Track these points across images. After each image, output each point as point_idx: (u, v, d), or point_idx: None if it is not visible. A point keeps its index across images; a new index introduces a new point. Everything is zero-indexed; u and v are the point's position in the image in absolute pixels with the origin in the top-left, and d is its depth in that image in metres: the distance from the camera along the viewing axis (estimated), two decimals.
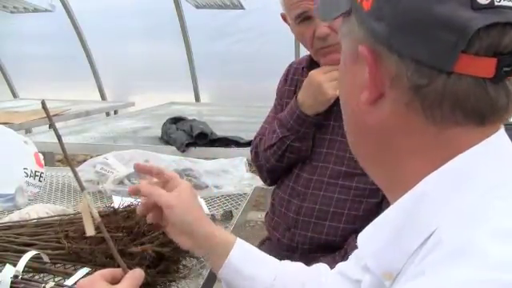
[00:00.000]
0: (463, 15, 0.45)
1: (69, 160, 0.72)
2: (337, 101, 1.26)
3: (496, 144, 0.49)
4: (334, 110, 1.26)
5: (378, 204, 1.22)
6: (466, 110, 0.47)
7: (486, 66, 0.45)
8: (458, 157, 0.48)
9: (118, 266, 0.72)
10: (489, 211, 0.44)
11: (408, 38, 0.46)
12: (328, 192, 1.24)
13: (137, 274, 0.71)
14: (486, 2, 0.45)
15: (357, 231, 1.21)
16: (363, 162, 0.58)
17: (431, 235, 0.46)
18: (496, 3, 0.45)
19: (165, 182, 0.86)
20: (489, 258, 0.40)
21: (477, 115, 0.47)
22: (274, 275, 0.82)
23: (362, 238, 0.55)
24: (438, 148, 0.49)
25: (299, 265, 0.87)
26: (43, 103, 0.65)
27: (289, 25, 1.31)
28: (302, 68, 1.37)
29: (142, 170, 0.88)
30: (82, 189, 0.74)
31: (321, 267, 0.86)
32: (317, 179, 1.26)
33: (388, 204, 1.25)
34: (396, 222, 0.50)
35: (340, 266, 0.79)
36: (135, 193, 0.85)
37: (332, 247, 1.23)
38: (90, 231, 0.75)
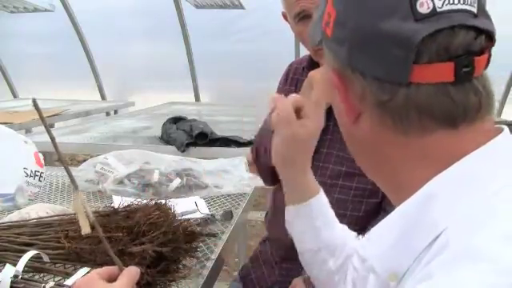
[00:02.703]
0: (407, 28, 0.46)
1: (61, 157, 0.72)
2: None
3: (502, 145, 0.49)
4: (333, 111, 1.25)
5: (378, 204, 1.21)
6: (433, 116, 0.48)
7: (443, 71, 0.46)
8: (464, 158, 0.48)
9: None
10: (496, 214, 0.44)
11: (364, 57, 0.48)
12: (329, 193, 1.24)
13: (133, 271, 0.71)
14: (428, 11, 0.46)
15: (358, 233, 1.21)
16: (366, 172, 0.60)
17: (438, 236, 0.46)
18: (438, 9, 0.46)
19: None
20: (497, 261, 0.40)
21: (446, 119, 0.48)
22: (332, 240, 0.86)
23: (368, 239, 0.55)
24: (424, 157, 0.50)
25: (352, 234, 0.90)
26: (34, 102, 0.65)
27: (289, 24, 1.31)
28: (303, 68, 1.37)
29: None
30: (76, 188, 0.75)
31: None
32: (320, 180, 1.26)
33: (389, 204, 1.24)
34: (402, 223, 0.50)
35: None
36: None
37: None
38: (85, 229, 0.75)
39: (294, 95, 0.83)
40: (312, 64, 1.32)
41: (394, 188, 0.55)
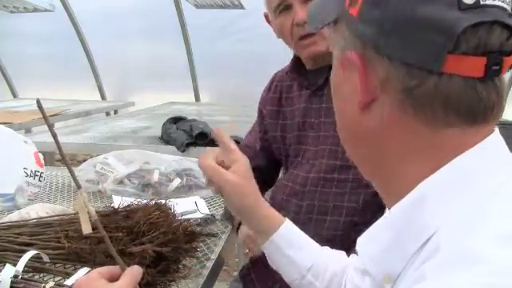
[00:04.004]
0: (450, 16, 0.45)
1: (65, 158, 0.72)
2: (328, 97, 1.26)
3: (492, 145, 0.49)
4: (323, 107, 1.26)
5: (374, 194, 1.22)
6: (458, 110, 0.47)
7: (475, 66, 0.45)
8: (455, 159, 0.48)
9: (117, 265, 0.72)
10: (488, 215, 0.44)
11: (397, 41, 0.47)
12: (325, 188, 1.24)
13: (135, 271, 0.71)
14: (472, 2, 0.45)
15: (357, 224, 1.21)
16: (362, 170, 0.58)
17: (430, 238, 0.45)
18: (481, 2, 0.45)
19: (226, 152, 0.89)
20: (491, 263, 0.40)
21: (468, 115, 0.47)
22: (311, 262, 0.85)
23: (362, 242, 0.55)
24: (432, 150, 0.49)
25: (337, 254, 0.89)
26: (38, 102, 0.65)
27: (270, 25, 1.31)
28: (286, 73, 1.37)
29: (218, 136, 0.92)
30: (79, 187, 0.74)
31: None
32: (313, 176, 1.25)
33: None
34: (394, 225, 0.50)
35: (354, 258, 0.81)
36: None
37: (333, 242, 1.23)
38: (86, 229, 0.75)
39: (213, 150, 0.89)
40: (295, 66, 1.32)
41: (387, 186, 0.54)
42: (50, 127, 0.71)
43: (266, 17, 1.31)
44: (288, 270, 0.86)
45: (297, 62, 1.31)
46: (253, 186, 0.87)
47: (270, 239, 0.85)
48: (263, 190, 1.38)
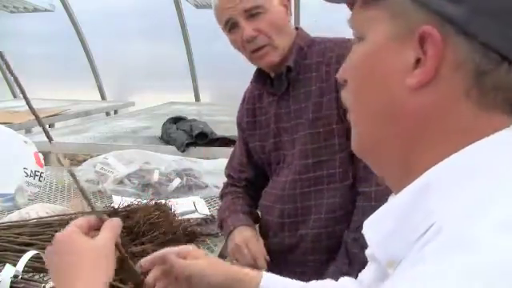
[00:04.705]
0: None
1: (89, 201, 0.72)
2: (294, 99, 1.27)
3: (507, 138, 0.49)
4: (291, 110, 1.27)
5: (351, 187, 1.22)
6: None
7: None
8: (465, 149, 0.47)
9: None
10: (492, 204, 0.44)
11: (487, 23, 0.46)
12: (304, 188, 1.25)
13: (115, 223, 0.70)
14: None
15: (337, 219, 1.22)
16: (380, 150, 0.55)
17: (432, 225, 0.45)
18: None
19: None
20: (489, 248, 0.40)
21: None
22: None
23: (367, 225, 0.55)
24: (464, 134, 0.48)
25: (326, 283, 0.88)
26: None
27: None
28: (251, 82, 1.39)
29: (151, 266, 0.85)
30: (79, 190, 0.74)
31: (348, 283, 0.86)
32: (291, 179, 1.27)
33: (359, 183, 1.23)
34: (399, 211, 0.50)
35: (359, 275, 0.79)
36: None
37: (320, 239, 1.24)
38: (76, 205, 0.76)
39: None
40: (259, 76, 1.34)
41: (400, 172, 0.53)
42: (46, 132, 0.71)
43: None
44: None
45: (260, 71, 1.33)
46: (218, 260, 0.87)
47: None
48: (257, 200, 1.39)
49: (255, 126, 1.38)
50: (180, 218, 1.39)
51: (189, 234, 1.35)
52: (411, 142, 0.51)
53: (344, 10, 0.58)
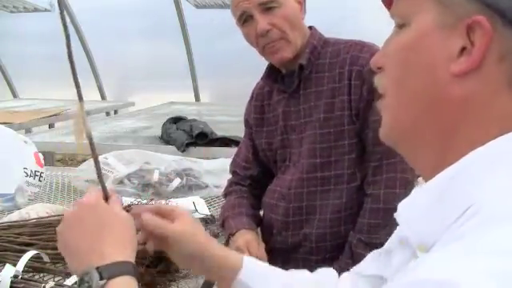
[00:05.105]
0: None
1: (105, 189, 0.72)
2: (304, 98, 1.27)
3: None
4: (301, 108, 1.27)
5: (359, 187, 1.23)
6: None
7: None
8: (503, 136, 0.49)
9: None
10: None
11: None
12: (310, 187, 1.25)
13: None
14: None
15: (342, 220, 1.22)
16: (414, 135, 0.56)
17: (469, 208, 0.45)
18: None
19: (166, 215, 0.81)
20: None
21: None
22: (285, 284, 0.81)
23: (402, 208, 0.55)
24: (501, 121, 0.49)
25: (306, 273, 0.87)
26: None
27: None
28: (263, 79, 1.39)
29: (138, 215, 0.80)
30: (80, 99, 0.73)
31: (330, 270, 0.86)
32: (297, 177, 1.27)
33: (368, 186, 1.22)
34: (435, 194, 0.50)
35: (354, 268, 0.79)
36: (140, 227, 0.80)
37: (324, 239, 1.24)
38: (80, 147, 0.75)
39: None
40: (270, 73, 1.33)
41: (435, 158, 0.53)
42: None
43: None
44: None
45: (271, 67, 1.33)
46: (202, 233, 0.81)
47: (237, 279, 0.78)
48: (261, 199, 1.39)
49: (263, 123, 1.38)
50: None
51: None
52: (450, 127, 0.52)
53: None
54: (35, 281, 0.92)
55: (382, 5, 0.61)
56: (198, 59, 5.49)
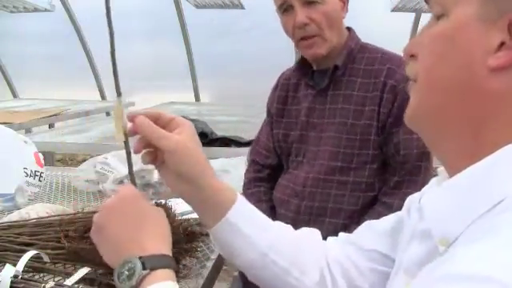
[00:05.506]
0: None
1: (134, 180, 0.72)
2: (331, 98, 1.26)
3: None
4: (326, 108, 1.26)
5: (374, 197, 1.22)
6: None
7: None
8: None
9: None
10: None
11: None
12: (326, 189, 1.25)
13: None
14: None
15: (353, 227, 1.22)
16: (444, 127, 0.56)
17: (502, 201, 0.46)
18: None
19: (166, 123, 0.75)
20: None
21: None
22: (271, 241, 0.77)
23: (428, 200, 0.55)
24: None
25: (298, 231, 0.85)
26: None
27: None
28: (293, 71, 1.38)
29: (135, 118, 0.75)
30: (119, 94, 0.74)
31: (314, 231, 0.87)
32: (313, 177, 1.26)
33: (384, 196, 1.22)
34: (464, 188, 0.50)
35: (345, 237, 0.79)
36: (134, 134, 0.74)
37: None
38: (119, 138, 0.74)
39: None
40: (301, 66, 1.32)
41: (462, 149, 0.54)
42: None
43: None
44: (245, 251, 0.75)
45: (303, 61, 1.32)
46: (201, 151, 0.74)
47: (225, 217, 0.73)
48: (273, 188, 1.38)
49: (283, 114, 1.37)
50: (180, 217, 1.39)
51: (189, 233, 1.35)
52: (481, 120, 0.52)
53: None
54: (35, 281, 0.92)
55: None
56: (197, 59, 5.49)
